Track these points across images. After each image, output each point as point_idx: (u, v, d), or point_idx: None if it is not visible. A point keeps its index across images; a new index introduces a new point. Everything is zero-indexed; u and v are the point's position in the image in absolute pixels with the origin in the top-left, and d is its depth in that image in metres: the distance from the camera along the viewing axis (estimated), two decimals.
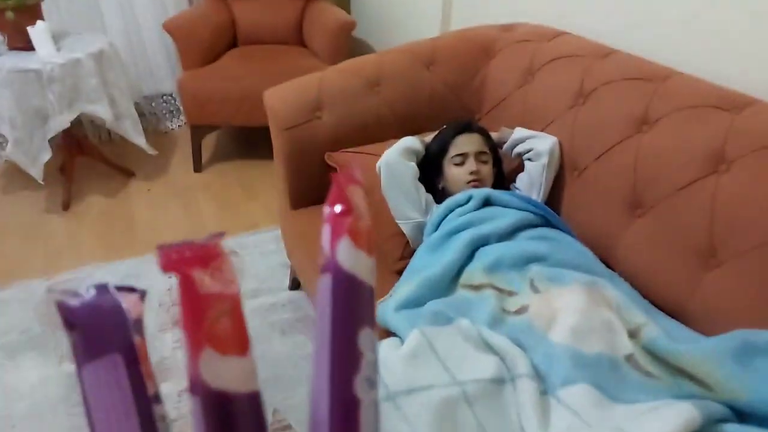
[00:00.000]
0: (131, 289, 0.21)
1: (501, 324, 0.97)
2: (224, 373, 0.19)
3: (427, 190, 1.30)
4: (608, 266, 1.21)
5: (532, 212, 1.20)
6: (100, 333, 0.19)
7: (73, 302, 0.18)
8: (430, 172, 1.34)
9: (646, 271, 1.15)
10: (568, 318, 0.92)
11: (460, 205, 1.21)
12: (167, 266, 0.19)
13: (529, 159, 1.35)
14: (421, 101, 1.53)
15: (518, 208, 1.20)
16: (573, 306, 0.95)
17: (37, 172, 2.06)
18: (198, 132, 2.57)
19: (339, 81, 1.48)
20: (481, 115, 1.59)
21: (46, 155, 2.08)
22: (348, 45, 2.60)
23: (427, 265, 1.11)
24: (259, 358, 1.36)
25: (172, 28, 2.43)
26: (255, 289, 1.87)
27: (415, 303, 1.02)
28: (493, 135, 1.39)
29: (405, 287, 1.05)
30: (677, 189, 1.09)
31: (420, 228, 1.25)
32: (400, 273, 1.26)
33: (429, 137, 1.38)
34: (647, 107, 1.20)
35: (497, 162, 1.35)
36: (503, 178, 1.38)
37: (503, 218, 1.16)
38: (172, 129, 3.09)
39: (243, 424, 0.19)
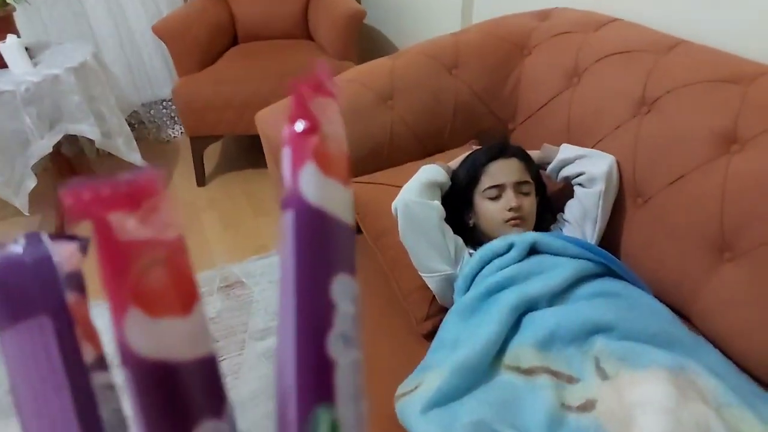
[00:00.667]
0: (71, 238, 0.18)
1: (561, 427, 0.74)
2: (159, 338, 0.15)
3: (455, 228, 1.07)
4: (687, 322, 0.97)
5: (590, 260, 0.95)
6: (24, 291, 0.15)
7: None
8: (459, 206, 1.10)
9: (742, 335, 0.90)
10: (650, 420, 0.69)
11: (499, 255, 0.97)
12: (75, 211, 0.14)
13: (580, 184, 1.09)
14: (444, 114, 1.29)
15: (573, 256, 0.96)
16: (656, 401, 0.71)
17: (21, 202, 1.88)
18: (199, 143, 2.37)
19: (344, 96, 1.24)
20: (515, 126, 1.34)
21: (31, 183, 1.89)
22: (358, 36, 2.35)
23: (460, 338, 0.89)
24: (264, 419, 1.09)
25: (162, 30, 2.20)
26: (263, 329, 1.66)
27: (448, 397, 0.80)
28: (534, 154, 1.14)
29: (434, 376, 0.83)
30: None
31: (449, 281, 1.02)
32: (427, 336, 1.04)
33: (455, 161, 1.14)
34: (736, 119, 0.93)
35: (541, 190, 1.11)
36: (549, 209, 1.13)
37: (555, 271, 0.92)
38: (174, 137, 2.89)
39: (192, 397, 0.14)
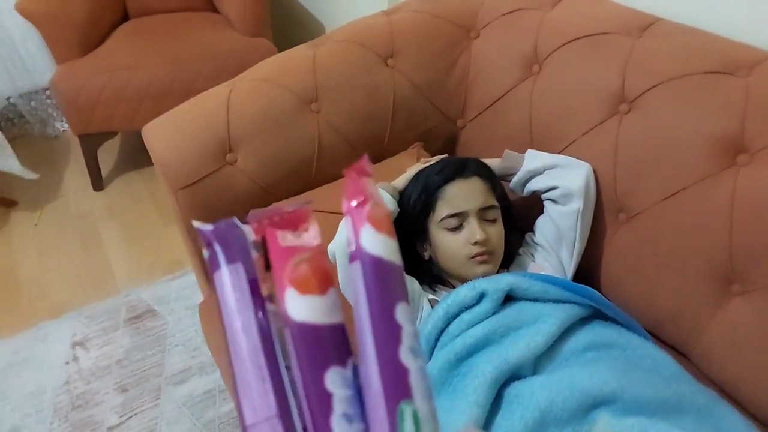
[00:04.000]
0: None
1: None
2: (305, 308, 0.22)
3: (407, 263, 0.86)
4: (687, 362, 0.82)
5: (575, 302, 0.78)
6: (228, 248, 0.24)
7: (208, 227, 0.24)
8: (410, 235, 0.89)
9: (753, 383, 0.76)
10: None
11: (468, 307, 0.77)
12: (257, 229, 0.24)
13: (552, 200, 0.91)
14: (381, 114, 1.05)
15: (556, 300, 0.78)
16: None
17: None
18: (90, 142, 1.99)
19: (256, 101, 0.97)
20: (464, 123, 1.13)
21: None
22: (269, 7, 2.04)
23: None
24: None
25: (29, 10, 1.79)
26: (182, 371, 1.40)
27: None
28: (493, 163, 0.94)
29: None
30: None
31: None
32: None
33: (401, 179, 0.92)
34: (743, 122, 0.77)
35: (507, 212, 0.91)
36: (514, 226, 0.94)
37: (537, 326, 0.74)
38: (64, 131, 2.46)
39: (326, 349, 0.22)
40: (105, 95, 1.85)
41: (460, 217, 0.84)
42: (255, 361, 0.22)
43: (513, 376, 0.72)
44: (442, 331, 0.77)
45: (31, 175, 1.91)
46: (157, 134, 0.95)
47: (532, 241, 0.94)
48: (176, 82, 1.88)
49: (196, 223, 0.24)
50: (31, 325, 1.56)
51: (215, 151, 0.93)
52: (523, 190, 0.94)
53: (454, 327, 0.76)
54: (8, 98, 2.32)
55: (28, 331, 1.55)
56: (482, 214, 0.84)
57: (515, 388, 0.70)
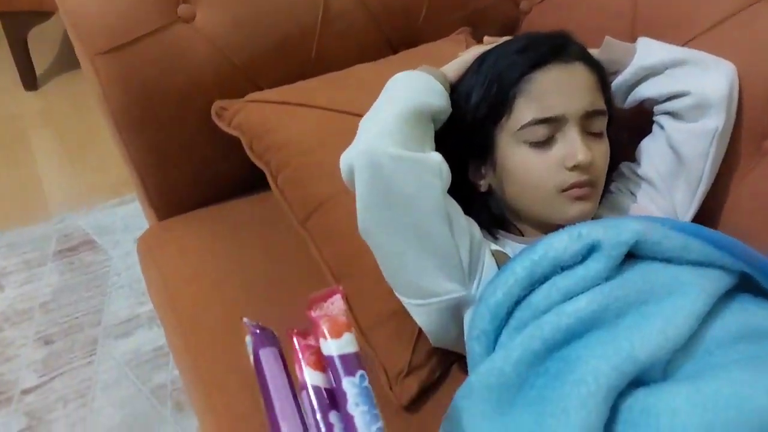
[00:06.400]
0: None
1: None
2: (315, 378, 0.35)
3: (456, 193, 0.55)
4: None
5: (723, 266, 0.50)
6: (267, 338, 0.37)
7: (254, 324, 0.38)
8: (462, 152, 0.58)
9: None
10: None
11: (564, 267, 0.48)
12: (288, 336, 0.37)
13: (672, 114, 0.61)
14: None
15: (696, 263, 0.49)
16: None
17: None
18: (15, 25, 1.58)
19: None
20: (530, 4, 0.80)
21: None
22: None
23: None
24: None
25: None
26: (127, 320, 1.11)
27: None
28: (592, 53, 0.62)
29: None
30: None
31: (457, 308, 0.53)
32: (411, 407, 0.56)
33: (453, 65, 0.60)
34: None
35: (609, 124, 0.60)
36: (617, 152, 0.64)
37: (675, 300, 0.46)
38: None
39: (328, 400, 0.34)
40: None
41: (555, 124, 0.53)
42: (289, 408, 0.34)
43: (636, 381, 0.44)
44: (519, 302, 0.49)
45: None
46: None
47: (633, 173, 0.64)
48: None
49: (246, 320, 0.38)
50: None
51: None
52: (626, 98, 0.64)
53: (540, 297, 0.47)
54: None
55: None
56: (587, 123, 0.54)
57: (640, 401, 0.43)
